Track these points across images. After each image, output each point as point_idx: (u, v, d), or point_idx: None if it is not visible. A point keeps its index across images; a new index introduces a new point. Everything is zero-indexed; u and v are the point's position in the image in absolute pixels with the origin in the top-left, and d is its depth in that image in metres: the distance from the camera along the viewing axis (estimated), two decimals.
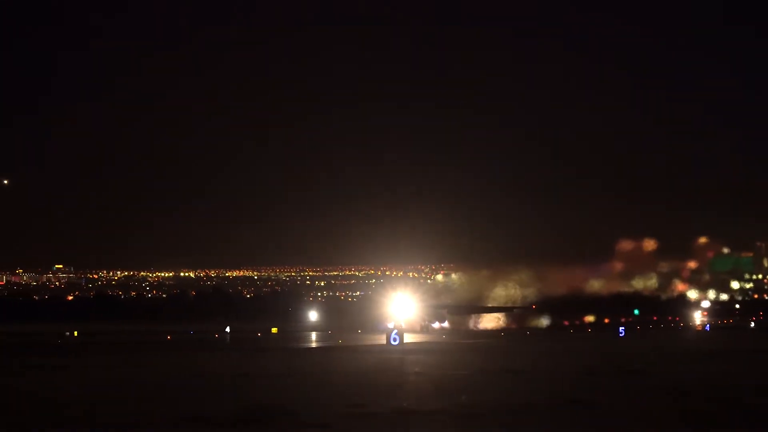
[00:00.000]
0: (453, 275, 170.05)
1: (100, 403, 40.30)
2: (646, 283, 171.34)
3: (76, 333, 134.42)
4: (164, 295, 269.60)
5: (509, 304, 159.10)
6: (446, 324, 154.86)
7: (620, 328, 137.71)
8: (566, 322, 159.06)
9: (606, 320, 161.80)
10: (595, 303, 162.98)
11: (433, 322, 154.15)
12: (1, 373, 58.37)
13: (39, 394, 44.46)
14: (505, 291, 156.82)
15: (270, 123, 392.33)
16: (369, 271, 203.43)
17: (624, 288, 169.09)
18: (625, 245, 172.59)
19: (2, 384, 50.45)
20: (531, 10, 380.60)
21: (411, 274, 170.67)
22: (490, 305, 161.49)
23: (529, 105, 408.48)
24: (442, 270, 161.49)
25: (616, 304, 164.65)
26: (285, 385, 48.12)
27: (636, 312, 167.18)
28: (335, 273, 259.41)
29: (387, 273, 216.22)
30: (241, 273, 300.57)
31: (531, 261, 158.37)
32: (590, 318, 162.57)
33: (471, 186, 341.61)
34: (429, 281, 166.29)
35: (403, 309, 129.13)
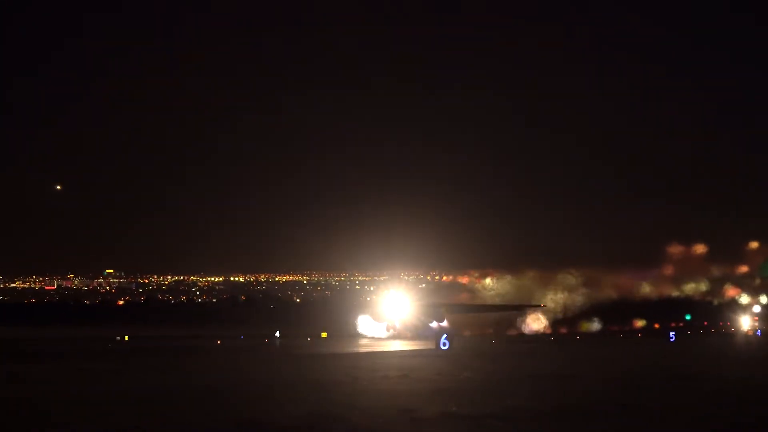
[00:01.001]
0: (488, 279, 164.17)
1: (147, 409, 40.52)
2: (697, 287, 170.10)
3: (126, 337, 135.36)
4: (214, 300, 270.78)
5: (560, 308, 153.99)
6: (445, 323, 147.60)
7: (671, 333, 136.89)
8: (616, 327, 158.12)
9: (656, 325, 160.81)
10: (644, 307, 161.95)
11: (431, 321, 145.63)
12: (51, 377, 58.88)
13: (88, 399, 44.81)
14: (554, 295, 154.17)
15: (310, 124, 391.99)
16: (418, 275, 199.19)
17: (674, 292, 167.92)
18: (676, 249, 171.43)
19: (54, 389, 50.88)
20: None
21: (461, 278, 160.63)
22: (491, 304, 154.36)
23: (562, 105, 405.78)
24: (489, 274, 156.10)
25: (666, 309, 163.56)
26: (335, 391, 48.18)
27: (687, 317, 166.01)
28: (383, 278, 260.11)
29: (437, 278, 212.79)
30: (292, 278, 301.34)
31: (579, 265, 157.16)
32: (640, 322, 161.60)
33: (511, 190, 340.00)
34: (478, 285, 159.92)
35: (397, 308, 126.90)
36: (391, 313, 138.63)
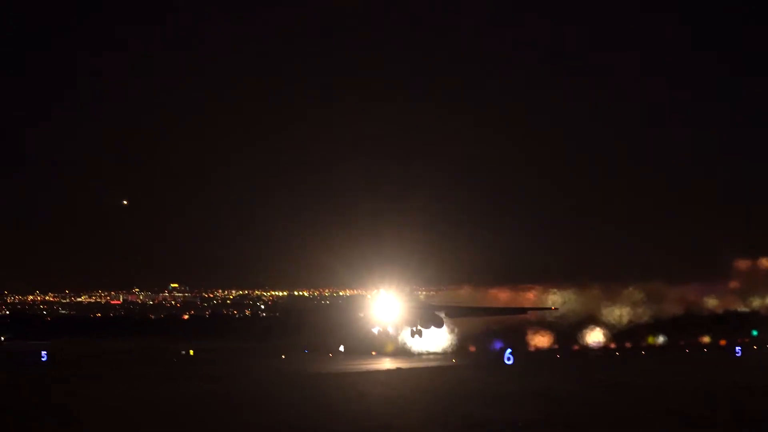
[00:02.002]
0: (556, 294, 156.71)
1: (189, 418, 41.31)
2: (763, 302, 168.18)
3: (192, 351, 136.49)
4: (277, 314, 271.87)
5: (621, 323, 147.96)
6: (444, 329, 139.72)
7: (737, 348, 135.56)
8: (681, 341, 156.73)
9: (722, 341, 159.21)
10: (710, 322, 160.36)
11: (427, 327, 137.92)
12: (129, 395, 59.82)
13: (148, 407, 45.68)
14: (618, 310, 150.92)
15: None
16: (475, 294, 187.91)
17: (740, 307, 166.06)
18: (742, 264, 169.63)
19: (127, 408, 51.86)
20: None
21: (528, 293, 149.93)
22: (494, 306, 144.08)
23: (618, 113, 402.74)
24: (553, 289, 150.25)
25: (732, 324, 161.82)
26: (403, 402, 48.72)
27: (754, 333, 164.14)
28: (447, 291, 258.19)
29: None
30: (355, 292, 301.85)
31: (643, 279, 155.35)
32: (706, 338, 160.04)
33: (569, 203, 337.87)
34: (547, 300, 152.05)
35: (388, 311, 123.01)
36: (383, 316, 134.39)
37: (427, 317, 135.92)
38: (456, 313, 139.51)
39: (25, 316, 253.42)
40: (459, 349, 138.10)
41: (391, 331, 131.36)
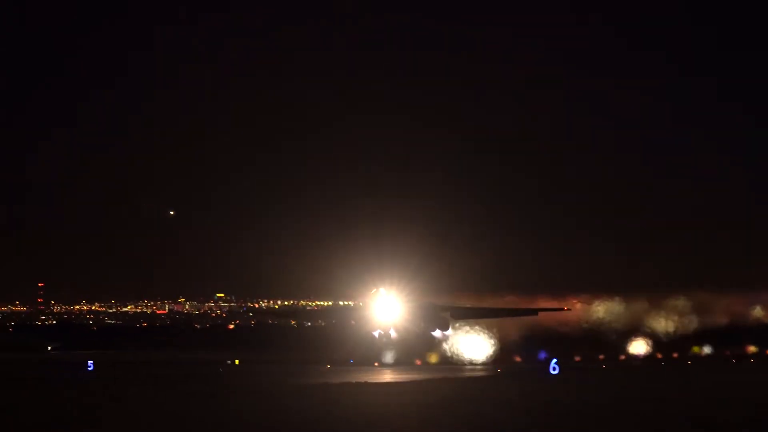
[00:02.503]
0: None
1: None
2: None
3: (237, 361, 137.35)
4: (322, 323, 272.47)
5: (667, 333, 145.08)
6: (449, 332, 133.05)
7: None
8: (727, 352, 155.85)
9: None
10: (758, 332, 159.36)
11: (432, 329, 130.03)
12: (164, 404, 60.56)
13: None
14: (664, 321, 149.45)
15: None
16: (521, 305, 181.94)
17: None
18: None
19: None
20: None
21: (569, 305, 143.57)
22: (502, 307, 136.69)
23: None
24: (598, 300, 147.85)
25: None
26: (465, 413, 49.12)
27: None
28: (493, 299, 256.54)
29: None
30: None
31: (689, 289, 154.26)
32: (752, 348, 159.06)
33: (612, 209, 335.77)
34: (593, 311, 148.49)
35: (388, 311, 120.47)
36: (383, 317, 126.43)
37: (431, 318, 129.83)
38: (462, 314, 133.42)
39: (72, 325, 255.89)
40: (500, 358, 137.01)
41: (393, 334, 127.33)
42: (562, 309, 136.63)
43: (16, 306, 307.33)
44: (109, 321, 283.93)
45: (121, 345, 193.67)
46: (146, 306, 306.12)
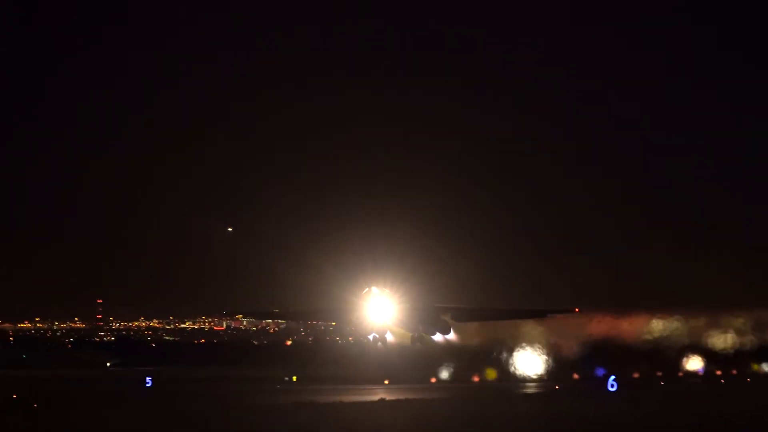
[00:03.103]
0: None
1: None
2: None
3: (294, 378, 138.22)
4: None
5: (726, 350, 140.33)
6: (451, 336, 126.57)
7: None
8: None
9: None
10: None
11: (432, 332, 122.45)
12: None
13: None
14: (724, 337, 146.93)
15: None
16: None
17: None
18: None
19: None
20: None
21: (630, 319, 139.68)
22: (509, 308, 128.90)
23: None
24: (657, 316, 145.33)
25: None
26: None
27: None
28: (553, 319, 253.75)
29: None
30: None
31: (749, 305, 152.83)
32: None
33: (669, 225, 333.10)
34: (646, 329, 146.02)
35: (381, 313, 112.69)
36: (376, 320, 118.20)
37: (431, 320, 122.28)
38: (465, 316, 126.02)
39: (130, 342, 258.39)
40: (557, 374, 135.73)
41: (389, 338, 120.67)
42: (573, 310, 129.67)
43: (75, 322, 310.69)
44: (167, 337, 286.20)
45: (179, 361, 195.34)
46: (204, 322, 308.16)
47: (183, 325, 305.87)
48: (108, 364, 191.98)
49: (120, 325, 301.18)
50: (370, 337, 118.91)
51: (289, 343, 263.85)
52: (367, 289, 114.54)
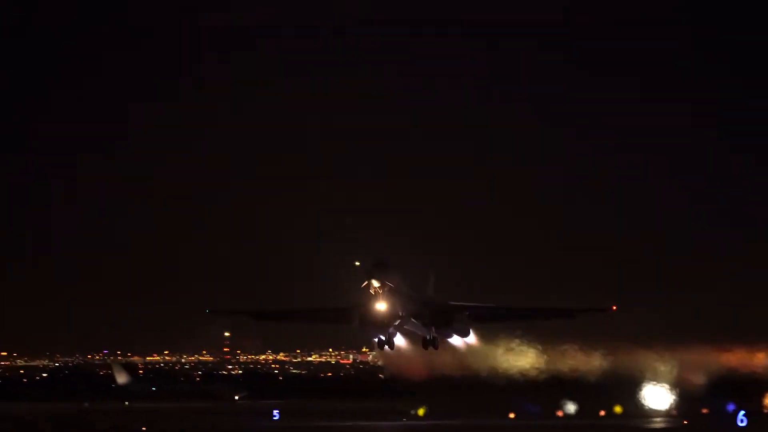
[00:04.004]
0: None
1: None
2: None
3: (421, 411, 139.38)
4: None
5: None
6: (472, 339, 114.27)
7: None
8: None
9: None
10: None
11: (447, 334, 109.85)
12: None
13: None
14: None
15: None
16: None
17: None
18: None
19: None
20: None
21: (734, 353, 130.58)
22: (534, 306, 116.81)
23: None
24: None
25: None
26: None
27: None
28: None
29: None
30: None
31: None
32: None
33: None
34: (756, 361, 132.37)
35: (385, 310, 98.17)
36: (379, 319, 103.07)
37: (446, 320, 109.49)
38: (484, 315, 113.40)
39: (258, 375, 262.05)
40: (685, 408, 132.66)
41: (400, 341, 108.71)
42: (608, 309, 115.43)
43: (203, 355, 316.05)
44: (294, 371, 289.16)
45: (307, 394, 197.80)
46: (330, 355, 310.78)
47: (309, 358, 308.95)
48: (236, 397, 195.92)
49: (247, 358, 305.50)
50: (375, 339, 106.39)
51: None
52: (366, 282, 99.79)
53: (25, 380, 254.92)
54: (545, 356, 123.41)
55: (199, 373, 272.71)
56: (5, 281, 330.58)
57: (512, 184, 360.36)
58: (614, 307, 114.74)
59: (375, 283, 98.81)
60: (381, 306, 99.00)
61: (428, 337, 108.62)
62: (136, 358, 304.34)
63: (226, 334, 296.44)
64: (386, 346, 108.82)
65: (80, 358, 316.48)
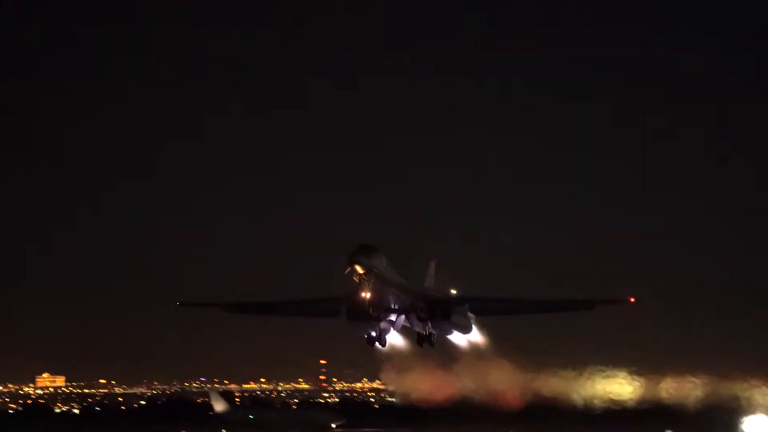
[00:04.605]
0: None
1: None
2: None
3: None
4: None
5: None
6: (475, 336, 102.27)
7: None
8: None
9: None
10: None
11: (447, 330, 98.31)
12: None
13: None
14: None
15: None
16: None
17: None
18: None
19: None
20: None
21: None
22: (547, 299, 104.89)
23: None
24: None
25: None
26: None
27: None
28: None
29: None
30: None
31: None
32: None
33: None
34: None
35: (374, 302, 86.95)
36: (367, 313, 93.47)
37: (443, 313, 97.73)
38: (488, 308, 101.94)
39: (354, 403, 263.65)
40: None
41: (398, 340, 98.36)
42: (627, 300, 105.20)
43: (299, 383, 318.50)
44: (390, 399, 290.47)
45: (402, 423, 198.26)
46: None
47: None
48: (333, 425, 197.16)
49: (343, 386, 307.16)
50: (365, 335, 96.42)
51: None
52: (348, 268, 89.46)
53: (123, 408, 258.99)
54: (640, 382, 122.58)
55: (296, 400, 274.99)
56: (103, 311, 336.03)
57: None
58: (632, 299, 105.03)
59: (359, 269, 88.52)
60: (366, 296, 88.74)
61: (424, 333, 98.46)
62: (232, 386, 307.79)
63: (322, 361, 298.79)
64: (377, 343, 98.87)
65: (177, 386, 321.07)
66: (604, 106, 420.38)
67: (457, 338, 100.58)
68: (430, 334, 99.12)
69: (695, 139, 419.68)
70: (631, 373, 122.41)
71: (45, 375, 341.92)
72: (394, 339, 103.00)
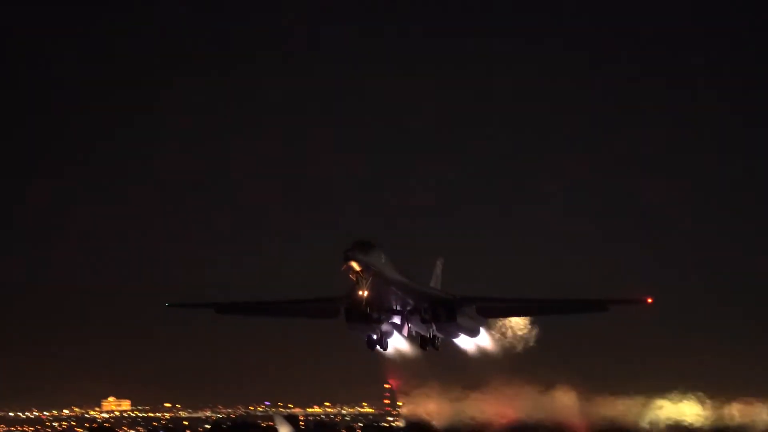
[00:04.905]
0: None
1: None
2: None
3: None
4: None
5: None
6: (483, 339, 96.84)
7: None
8: None
9: None
10: None
11: (453, 333, 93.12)
12: None
13: None
14: None
15: None
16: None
17: None
18: None
19: None
20: None
21: None
22: (558, 298, 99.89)
23: None
24: None
25: None
26: None
27: None
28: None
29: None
30: None
31: None
32: None
33: None
34: None
35: (374, 302, 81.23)
36: (366, 307, 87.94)
37: (448, 314, 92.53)
38: (497, 309, 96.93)
39: (419, 427, 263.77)
40: None
41: (405, 344, 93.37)
42: (644, 300, 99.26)
43: (362, 407, 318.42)
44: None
45: None
46: None
47: None
48: None
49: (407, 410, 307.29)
50: (365, 338, 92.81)
51: None
52: (345, 265, 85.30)
53: None
54: (707, 406, 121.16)
55: (360, 425, 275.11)
56: (170, 334, 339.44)
57: None
58: (650, 300, 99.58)
59: (355, 266, 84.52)
60: (364, 294, 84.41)
61: (428, 336, 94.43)
62: (296, 410, 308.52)
63: (386, 385, 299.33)
64: (378, 347, 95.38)
65: (242, 410, 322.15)
66: (604, 106, 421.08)
67: (464, 342, 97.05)
68: (434, 336, 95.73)
69: None
70: (698, 397, 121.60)
71: (111, 398, 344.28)
72: (399, 344, 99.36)
